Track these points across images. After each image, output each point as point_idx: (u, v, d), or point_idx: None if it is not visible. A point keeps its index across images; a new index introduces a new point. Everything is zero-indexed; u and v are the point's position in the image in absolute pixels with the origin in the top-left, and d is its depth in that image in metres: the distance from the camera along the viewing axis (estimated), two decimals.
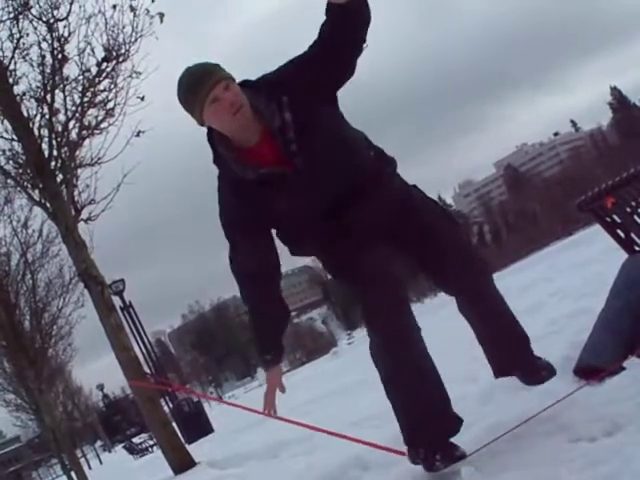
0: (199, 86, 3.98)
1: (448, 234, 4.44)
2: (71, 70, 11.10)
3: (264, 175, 4.06)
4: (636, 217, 5.71)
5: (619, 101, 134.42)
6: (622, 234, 5.84)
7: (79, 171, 11.25)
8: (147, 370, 19.99)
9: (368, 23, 4.10)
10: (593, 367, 4.85)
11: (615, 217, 5.83)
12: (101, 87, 11.15)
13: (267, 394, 4.45)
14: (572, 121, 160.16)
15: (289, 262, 4.53)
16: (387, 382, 4.30)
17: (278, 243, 4.36)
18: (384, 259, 4.25)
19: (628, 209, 5.72)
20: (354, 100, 4.38)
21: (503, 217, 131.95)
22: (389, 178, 4.41)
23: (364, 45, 4.17)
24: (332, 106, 4.26)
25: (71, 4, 10.86)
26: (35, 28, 10.94)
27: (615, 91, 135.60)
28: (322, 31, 4.07)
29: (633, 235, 5.76)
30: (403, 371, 4.24)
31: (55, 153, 10.93)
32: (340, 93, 4.26)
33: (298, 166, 4.07)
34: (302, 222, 4.23)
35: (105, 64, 11.06)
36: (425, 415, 4.22)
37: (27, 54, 11.02)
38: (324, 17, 4.04)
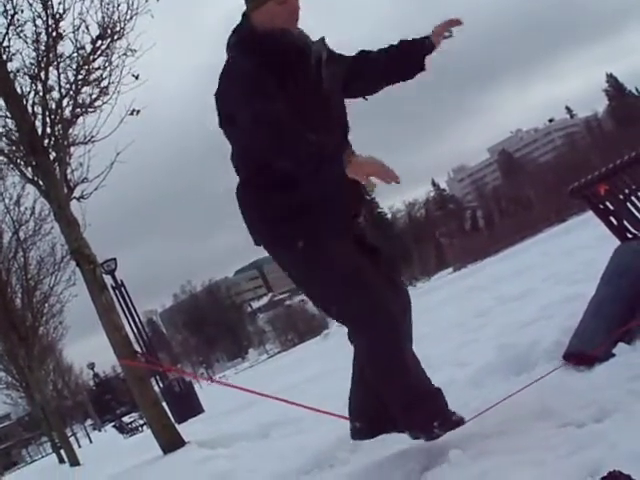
0: None
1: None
2: (65, 47, 11.05)
3: (300, 49, 4.17)
4: (628, 204, 5.72)
5: (615, 88, 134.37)
6: (614, 221, 5.85)
7: (72, 149, 11.22)
8: (138, 349, 20.01)
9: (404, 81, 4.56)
10: (583, 353, 4.86)
11: (608, 204, 5.84)
12: (96, 65, 11.10)
13: (378, 166, 3.92)
14: (567, 107, 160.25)
15: None
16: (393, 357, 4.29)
17: None
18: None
19: (621, 196, 5.73)
20: None
21: (497, 202, 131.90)
22: None
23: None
24: None
25: None
26: (30, 4, 10.87)
27: (611, 78, 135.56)
28: (373, 58, 4.46)
29: (625, 222, 5.77)
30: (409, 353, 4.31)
31: (48, 131, 10.89)
32: None
33: (324, 85, 4.22)
34: (309, 116, 4.09)
35: (100, 42, 11.00)
36: (426, 387, 4.27)
37: (21, 31, 10.96)
38: (384, 52, 4.44)
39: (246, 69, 4.09)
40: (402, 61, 4.47)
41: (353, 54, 4.50)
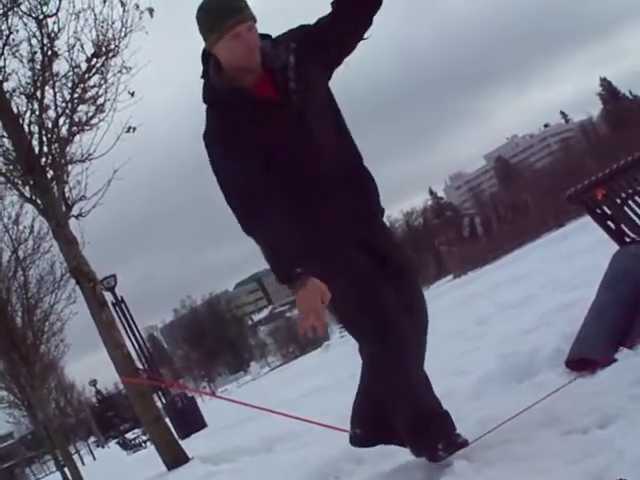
0: (226, 17, 4.05)
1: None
2: (61, 66, 11.07)
3: (261, 100, 4.14)
4: (626, 209, 5.73)
5: (609, 92, 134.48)
6: (612, 225, 5.85)
7: (70, 167, 11.23)
8: (140, 365, 19.98)
9: (380, 4, 4.30)
10: (585, 359, 4.87)
11: (605, 209, 5.84)
12: (91, 83, 11.12)
13: (310, 304, 3.90)
14: (562, 112, 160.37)
15: None
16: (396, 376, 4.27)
17: None
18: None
19: (618, 200, 5.74)
20: (338, 94, 4.42)
21: (494, 209, 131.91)
22: (372, 189, 4.47)
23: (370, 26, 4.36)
24: (328, 88, 4.40)
25: (60, 0, 10.83)
26: (25, 24, 10.91)
27: (605, 82, 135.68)
28: (340, 3, 4.23)
29: (623, 226, 5.78)
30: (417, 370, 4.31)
31: (45, 149, 10.91)
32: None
33: (294, 102, 4.17)
34: (290, 162, 4.16)
35: (95, 60, 11.03)
36: (432, 407, 4.25)
37: (17, 50, 11.00)
38: None
39: (212, 128, 4.20)
40: None
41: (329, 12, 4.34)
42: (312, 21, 4.35)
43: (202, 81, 4.29)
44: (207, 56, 4.23)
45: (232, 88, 4.15)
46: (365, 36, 4.40)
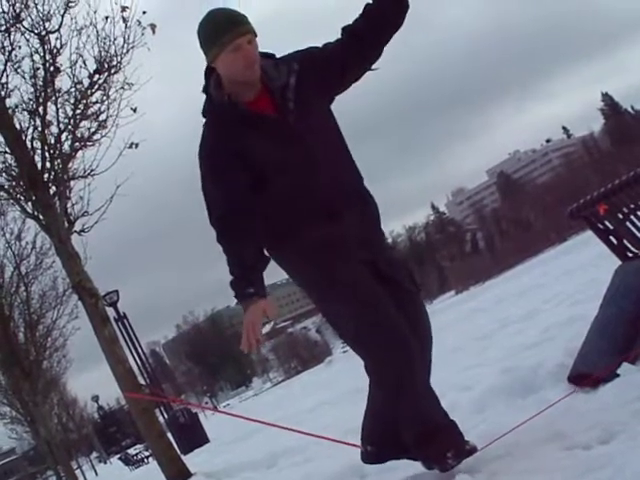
0: (227, 31, 4.08)
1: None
2: (63, 82, 11.08)
3: (256, 116, 4.16)
4: (628, 224, 5.72)
5: (610, 107, 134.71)
6: (614, 241, 5.85)
7: (72, 183, 11.23)
8: (142, 381, 19.97)
9: (397, 29, 4.38)
10: (587, 374, 4.86)
11: (607, 224, 5.84)
12: (93, 99, 11.13)
13: (250, 323, 4.02)
14: (564, 127, 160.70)
15: (282, 272, 4.47)
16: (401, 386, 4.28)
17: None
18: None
19: (620, 216, 5.73)
20: (339, 111, 4.42)
21: (497, 224, 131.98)
22: (373, 210, 4.48)
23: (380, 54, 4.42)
24: (329, 110, 4.41)
25: (63, 16, 10.84)
26: (27, 40, 10.93)
27: (606, 97, 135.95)
28: (355, 27, 4.29)
29: (625, 242, 5.78)
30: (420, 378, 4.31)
31: (48, 165, 10.91)
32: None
33: (291, 122, 4.18)
34: (287, 181, 4.19)
35: (97, 76, 11.04)
36: (439, 418, 4.26)
37: (19, 66, 11.00)
38: (361, 16, 4.30)
39: (204, 142, 4.24)
40: (384, 14, 4.33)
41: (339, 37, 4.37)
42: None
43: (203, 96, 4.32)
44: (209, 72, 4.26)
45: (230, 102, 4.18)
46: (373, 67, 4.46)
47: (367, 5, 4.36)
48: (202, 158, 4.25)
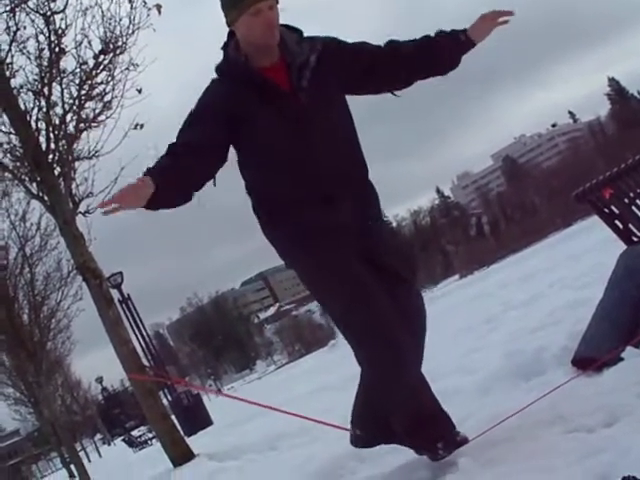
0: None
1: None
2: (68, 63, 11.06)
3: (268, 84, 4.14)
4: (634, 208, 5.71)
5: (617, 92, 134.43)
6: (620, 225, 5.83)
7: (77, 164, 11.22)
8: (146, 363, 19.99)
9: (436, 75, 4.50)
10: (591, 358, 4.85)
11: (613, 208, 5.82)
12: (98, 80, 11.11)
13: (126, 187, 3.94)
14: (570, 112, 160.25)
15: None
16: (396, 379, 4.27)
17: None
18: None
19: (626, 200, 5.72)
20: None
21: (502, 208, 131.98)
22: (373, 200, 4.47)
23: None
24: (344, 100, 4.39)
25: None
26: (32, 21, 10.90)
27: (613, 82, 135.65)
28: (404, 48, 4.34)
29: (631, 226, 5.76)
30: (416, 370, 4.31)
31: (53, 146, 10.90)
32: None
33: (302, 100, 4.15)
34: (284, 158, 4.17)
35: (102, 56, 11.02)
36: (429, 407, 4.25)
37: (24, 47, 10.98)
38: (414, 42, 4.35)
39: (207, 92, 4.24)
40: (436, 56, 4.39)
41: (381, 44, 4.38)
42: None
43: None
44: (231, 34, 4.25)
45: (245, 63, 4.16)
46: (396, 93, 4.46)
47: (426, 37, 4.38)
48: (199, 100, 4.22)
